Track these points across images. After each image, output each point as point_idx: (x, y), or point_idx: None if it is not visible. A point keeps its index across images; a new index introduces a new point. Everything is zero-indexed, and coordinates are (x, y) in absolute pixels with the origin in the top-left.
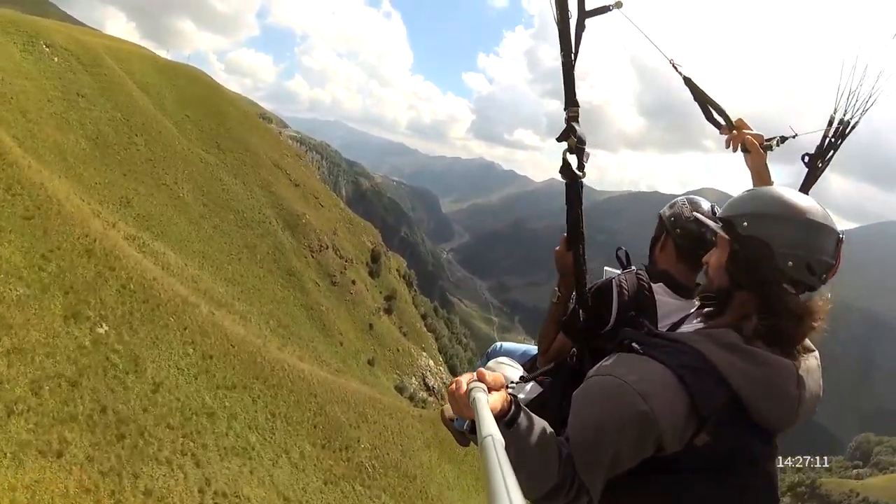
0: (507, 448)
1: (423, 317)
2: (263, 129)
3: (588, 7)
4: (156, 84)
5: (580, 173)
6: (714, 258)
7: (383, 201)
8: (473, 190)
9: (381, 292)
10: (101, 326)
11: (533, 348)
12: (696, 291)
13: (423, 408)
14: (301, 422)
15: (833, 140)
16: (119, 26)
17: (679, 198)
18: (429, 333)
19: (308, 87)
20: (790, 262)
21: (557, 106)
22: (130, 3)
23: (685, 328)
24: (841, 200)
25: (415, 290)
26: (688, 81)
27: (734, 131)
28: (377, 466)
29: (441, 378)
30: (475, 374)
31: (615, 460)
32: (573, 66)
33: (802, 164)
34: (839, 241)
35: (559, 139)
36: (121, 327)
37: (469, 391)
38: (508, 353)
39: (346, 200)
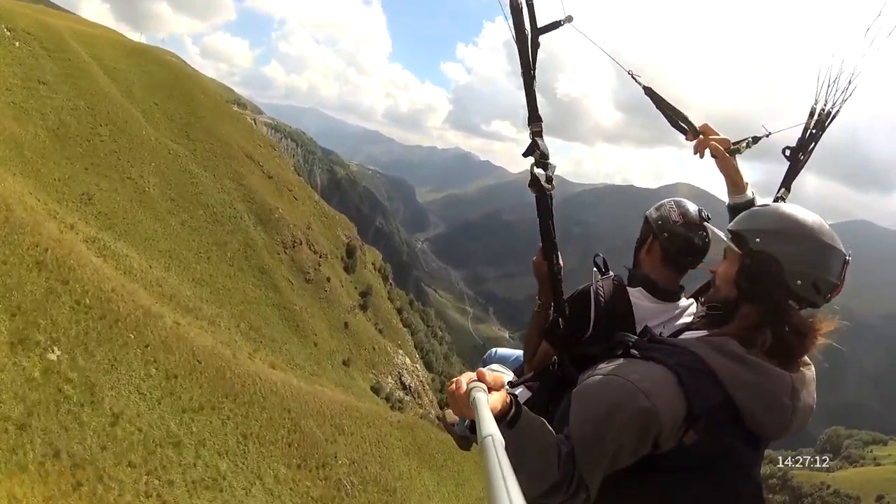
0: (507, 447)
1: (399, 311)
2: (236, 117)
3: (540, 24)
4: (124, 70)
5: (548, 186)
6: (722, 269)
7: (359, 190)
8: (449, 180)
9: (356, 288)
10: (53, 351)
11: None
12: (704, 304)
13: (399, 409)
14: (275, 441)
15: (814, 131)
16: (93, 8)
17: (666, 201)
18: (404, 329)
19: (284, 73)
20: (799, 281)
21: (540, 99)
22: None
23: (689, 335)
24: (814, 198)
25: (390, 284)
26: (648, 91)
27: (700, 136)
28: (356, 483)
29: (417, 376)
30: (475, 373)
31: (616, 456)
32: (533, 82)
33: (784, 157)
34: (845, 262)
35: (525, 154)
36: (75, 350)
37: (469, 391)
38: (502, 360)
39: (321, 189)
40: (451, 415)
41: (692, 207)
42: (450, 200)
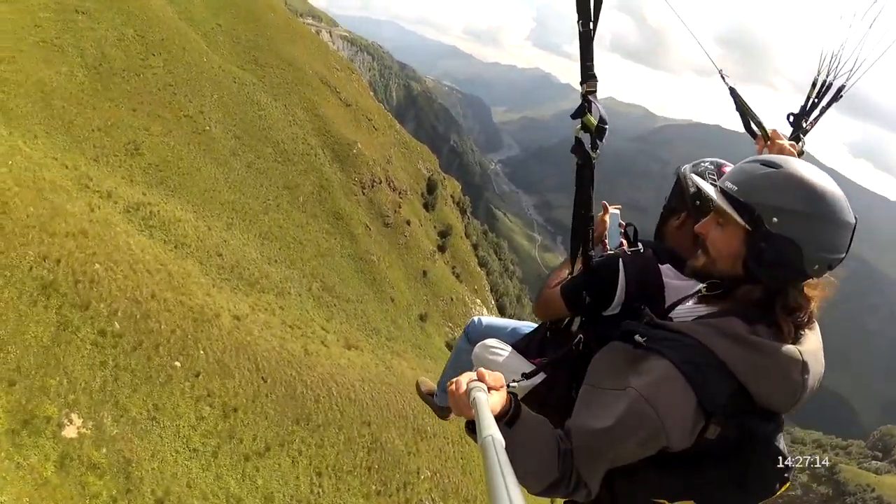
0: (507, 447)
1: (475, 247)
2: (309, 37)
3: None
4: None
5: (594, 154)
6: (721, 240)
7: (434, 107)
8: (527, 101)
9: (434, 227)
10: (70, 423)
11: (521, 325)
12: (694, 270)
13: None
14: (353, 469)
15: (816, 101)
16: None
17: (705, 165)
18: (480, 271)
19: None
20: (816, 266)
21: (625, 20)
22: None
23: (683, 309)
24: None
25: (468, 218)
26: (733, 91)
27: (768, 142)
28: (436, 499)
29: None
30: (475, 373)
31: (615, 460)
32: (592, 37)
33: (788, 124)
34: (854, 230)
35: (573, 116)
36: (100, 410)
37: (469, 391)
38: (493, 331)
39: (396, 105)
40: (426, 383)
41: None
42: (526, 122)
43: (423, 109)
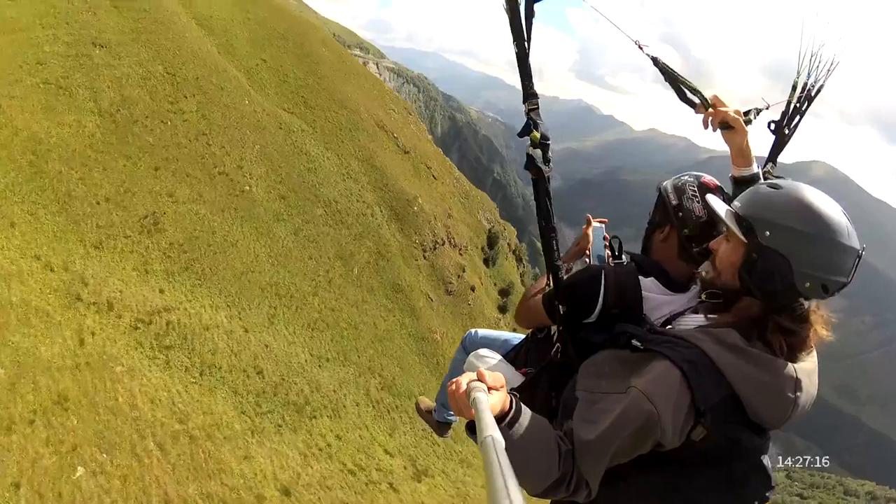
0: (508, 447)
1: None
2: (363, 74)
3: None
4: (224, 19)
5: (546, 167)
6: (725, 253)
7: (478, 139)
8: (569, 132)
9: (495, 284)
10: None
11: (513, 337)
12: (701, 281)
13: None
14: None
15: (798, 105)
16: None
17: (686, 180)
18: None
19: (405, 15)
20: (807, 283)
21: (668, 51)
22: None
23: (686, 320)
24: None
25: (524, 266)
26: (655, 61)
27: (711, 108)
28: None
29: None
30: (475, 373)
31: (613, 459)
32: (527, 56)
33: (769, 132)
34: (858, 258)
35: (520, 134)
36: None
37: (469, 391)
38: (486, 343)
39: (440, 136)
40: (425, 401)
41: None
42: (568, 154)
43: (468, 140)
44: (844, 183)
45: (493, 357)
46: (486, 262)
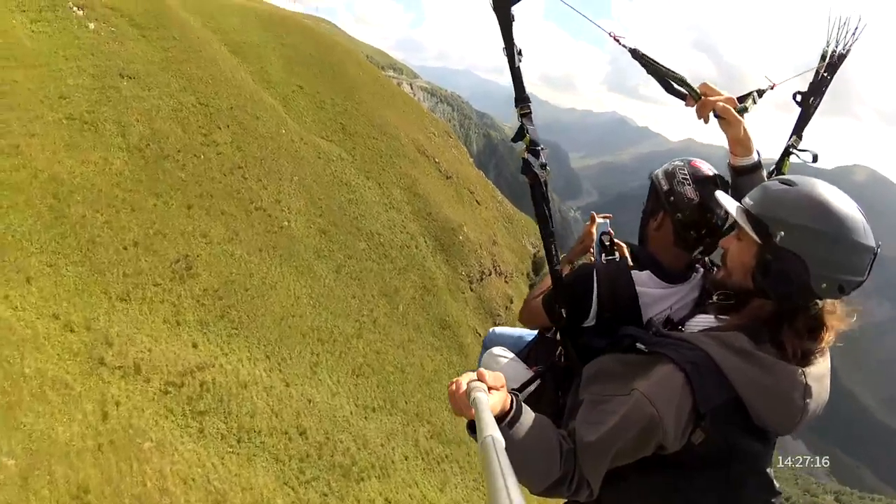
0: (508, 447)
1: None
2: (401, 97)
3: None
4: (258, 44)
5: (542, 172)
6: (737, 252)
7: (514, 155)
8: (605, 146)
9: None
10: None
11: (527, 333)
12: (712, 282)
13: None
14: None
15: (825, 75)
16: None
17: (677, 165)
18: None
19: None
20: (824, 284)
21: (704, 59)
22: None
23: (696, 321)
24: None
25: None
26: (634, 53)
27: (702, 98)
28: None
29: None
30: (475, 373)
31: (615, 460)
32: (515, 58)
33: (795, 104)
34: (874, 256)
35: (514, 140)
36: None
37: (469, 391)
38: (502, 340)
39: (476, 154)
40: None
41: (710, 174)
42: (604, 167)
43: (504, 158)
44: (888, 186)
45: (506, 355)
46: (532, 288)
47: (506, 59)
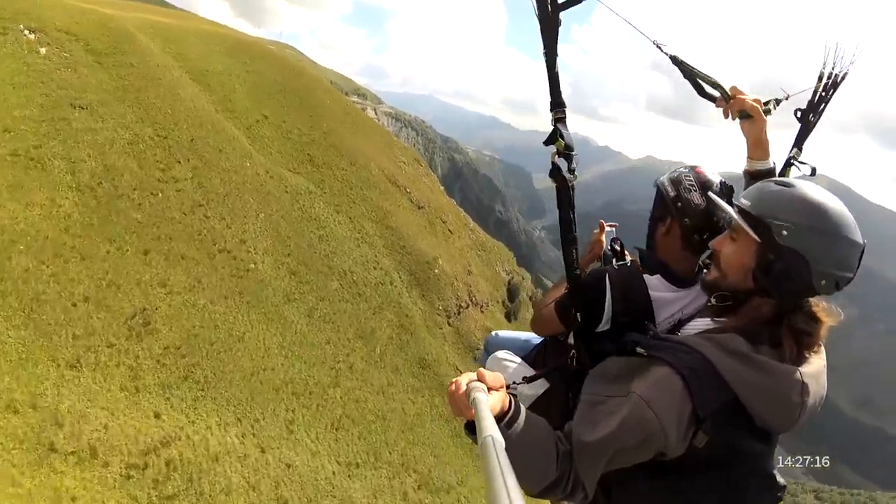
0: (507, 447)
1: None
2: (370, 124)
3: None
4: (221, 72)
5: (571, 176)
6: (734, 253)
7: (478, 178)
8: None
9: None
10: None
11: (534, 337)
12: (705, 284)
13: None
14: None
15: (823, 94)
16: (212, 6)
17: (681, 170)
18: None
19: (400, 60)
20: (823, 281)
21: (662, 79)
22: None
23: (695, 324)
24: None
25: None
26: (674, 60)
27: (731, 101)
28: None
29: None
30: (475, 373)
31: (610, 463)
32: (556, 64)
33: (795, 119)
34: (862, 253)
35: (546, 143)
36: None
37: (469, 391)
38: (507, 344)
39: (441, 177)
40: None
41: (714, 179)
42: None
43: (468, 181)
44: (846, 193)
45: (513, 360)
46: (507, 316)
47: (545, 67)
